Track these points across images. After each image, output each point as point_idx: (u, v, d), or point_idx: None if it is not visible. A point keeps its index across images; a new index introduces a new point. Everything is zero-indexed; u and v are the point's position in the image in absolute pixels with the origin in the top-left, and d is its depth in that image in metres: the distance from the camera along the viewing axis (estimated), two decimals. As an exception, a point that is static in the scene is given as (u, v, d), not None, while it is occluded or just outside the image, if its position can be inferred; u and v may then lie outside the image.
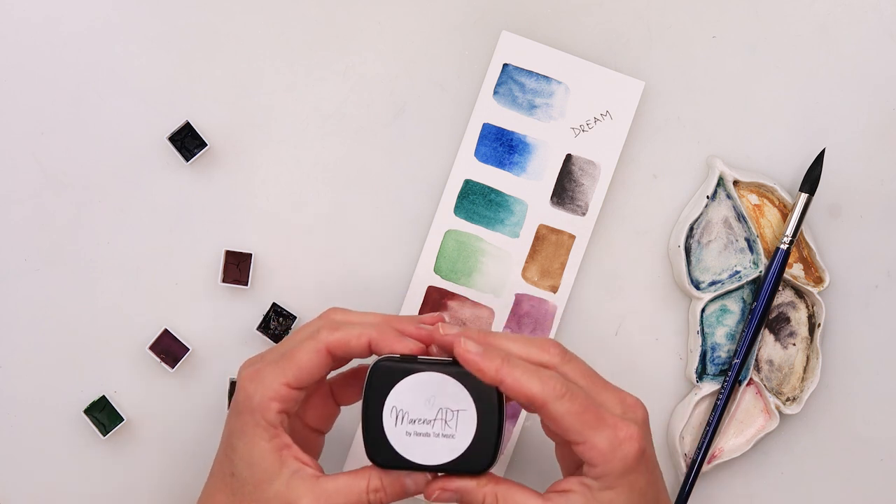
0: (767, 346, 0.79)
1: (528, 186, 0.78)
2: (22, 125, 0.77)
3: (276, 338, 0.77)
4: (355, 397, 0.72)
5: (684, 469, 0.78)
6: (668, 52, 0.79)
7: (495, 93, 0.78)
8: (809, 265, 0.79)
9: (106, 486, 0.78)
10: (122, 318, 0.78)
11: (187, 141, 0.77)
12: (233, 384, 0.77)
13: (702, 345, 0.78)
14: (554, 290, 0.78)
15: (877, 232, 0.80)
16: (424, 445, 0.66)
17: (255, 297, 0.78)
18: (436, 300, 0.78)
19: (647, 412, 0.67)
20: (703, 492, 0.80)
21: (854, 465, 0.80)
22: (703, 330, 0.78)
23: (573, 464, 0.68)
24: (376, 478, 0.66)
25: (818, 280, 0.79)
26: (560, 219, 0.78)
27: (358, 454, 0.78)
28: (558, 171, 0.78)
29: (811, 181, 0.77)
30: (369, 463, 0.67)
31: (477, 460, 0.66)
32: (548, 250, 0.78)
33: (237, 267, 0.77)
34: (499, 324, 0.78)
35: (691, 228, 0.78)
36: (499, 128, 0.78)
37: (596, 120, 0.78)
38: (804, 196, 0.77)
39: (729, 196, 0.78)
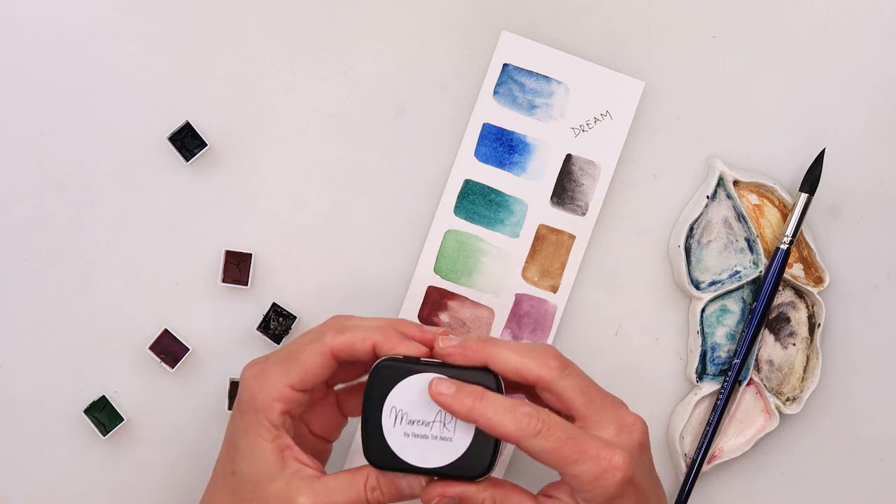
0: (767, 346, 0.79)
1: (528, 186, 0.78)
2: (22, 125, 0.77)
3: (276, 338, 0.77)
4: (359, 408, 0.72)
5: (684, 469, 0.78)
6: (668, 52, 0.79)
7: (495, 93, 0.78)
8: (809, 265, 0.79)
9: (106, 486, 0.78)
10: (122, 318, 0.78)
11: (187, 141, 0.77)
12: (233, 384, 0.77)
13: (702, 345, 0.78)
14: (554, 290, 0.78)
15: (877, 232, 0.80)
16: (422, 447, 0.65)
17: (255, 297, 0.78)
18: (436, 300, 0.78)
19: (647, 431, 0.66)
20: (703, 492, 0.80)
21: (854, 465, 0.80)
22: (703, 330, 0.78)
23: None
24: (374, 476, 0.66)
25: (818, 280, 0.79)
26: (560, 219, 0.78)
27: (358, 454, 0.78)
28: (558, 171, 0.78)
29: (811, 181, 0.77)
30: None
31: (473, 466, 0.66)
32: (548, 250, 0.78)
33: (237, 267, 0.77)
34: (499, 324, 0.78)
35: (691, 228, 0.78)
36: (499, 128, 0.78)
37: (596, 120, 0.78)
38: (804, 196, 0.77)
39: (729, 196, 0.78)
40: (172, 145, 0.77)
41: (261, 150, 0.78)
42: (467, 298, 0.78)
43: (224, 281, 0.77)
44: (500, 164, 0.78)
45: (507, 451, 0.79)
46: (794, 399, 0.79)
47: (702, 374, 0.78)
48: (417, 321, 0.78)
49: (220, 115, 0.78)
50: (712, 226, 0.78)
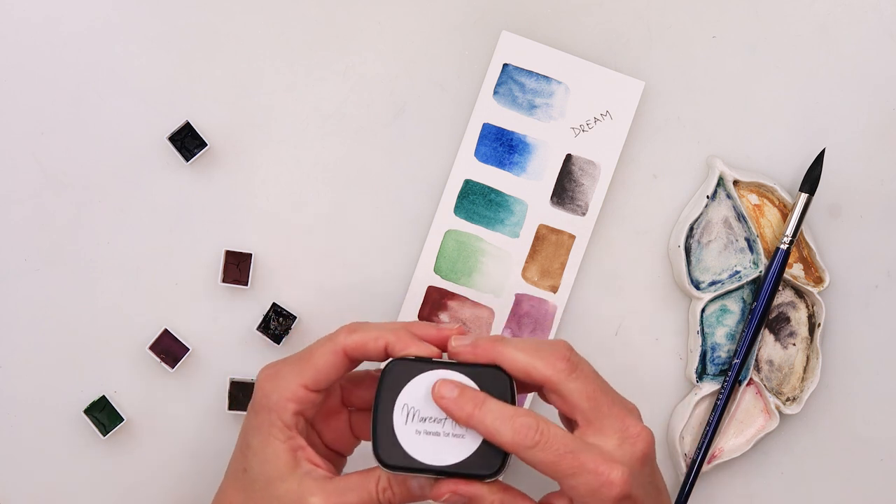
0: (767, 346, 0.79)
1: (528, 186, 0.78)
2: (22, 125, 0.77)
3: (276, 338, 0.77)
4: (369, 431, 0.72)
5: (684, 469, 0.78)
6: (668, 52, 0.79)
7: (495, 93, 0.78)
8: (809, 265, 0.79)
9: (106, 486, 0.78)
10: (122, 318, 0.78)
11: (187, 141, 0.77)
12: (233, 384, 0.77)
13: (702, 345, 0.78)
14: (554, 290, 0.78)
15: (877, 232, 0.80)
16: (433, 445, 0.65)
17: (255, 297, 0.78)
18: (436, 300, 0.78)
19: (652, 442, 0.65)
20: (703, 492, 0.80)
21: (854, 465, 0.80)
22: (703, 330, 0.78)
23: None
24: (385, 477, 0.66)
25: (818, 280, 0.79)
26: (560, 219, 0.78)
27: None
28: (558, 171, 0.78)
29: (811, 181, 0.77)
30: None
31: (485, 464, 0.65)
32: (548, 250, 0.78)
33: (237, 267, 0.77)
34: (499, 324, 0.78)
35: (691, 228, 0.78)
36: (499, 128, 0.78)
37: (596, 120, 0.78)
38: (804, 196, 0.77)
39: (729, 196, 0.78)
40: (172, 145, 0.77)
41: (261, 150, 0.78)
42: (467, 298, 0.78)
43: (224, 281, 0.77)
44: (500, 164, 0.78)
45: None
46: (794, 399, 0.79)
47: (702, 374, 0.78)
48: (417, 321, 0.78)
49: (220, 115, 0.78)
50: (712, 226, 0.78)
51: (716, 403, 0.78)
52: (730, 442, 0.79)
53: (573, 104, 0.78)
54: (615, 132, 0.78)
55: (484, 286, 0.78)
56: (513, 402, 0.65)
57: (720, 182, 0.78)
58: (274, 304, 0.77)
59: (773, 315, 0.79)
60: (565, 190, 0.78)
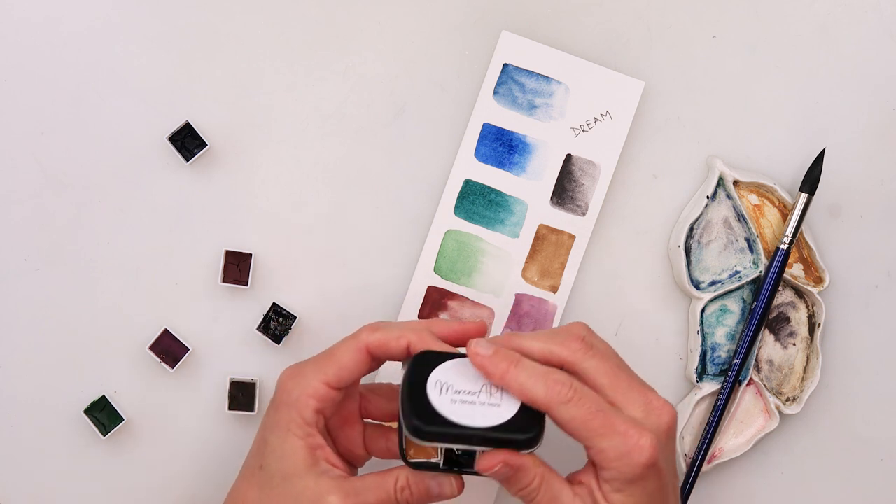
0: (767, 346, 0.79)
1: (528, 186, 0.78)
2: (22, 125, 0.77)
3: (276, 338, 0.77)
4: (383, 450, 0.72)
5: (684, 469, 0.78)
6: (668, 52, 0.79)
7: (495, 93, 0.78)
8: (809, 265, 0.79)
9: (106, 486, 0.78)
10: (122, 318, 0.78)
11: (187, 141, 0.77)
12: (233, 384, 0.77)
13: (702, 345, 0.78)
14: (554, 290, 0.78)
15: (877, 232, 0.80)
16: (470, 411, 0.64)
17: (255, 297, 0.78)
18: (436, 300, 0.78)
19: (675, 417, 0.66)
20: (703, 492, 0.80)
21: (854, 465, 0.80)
22: (703, 330, 0.78)
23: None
24: (403, 477, 0.66)
25: (818, 280, 0.79)
26: (560, 219, 0.78)
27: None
28: (558, 171, 0.78)
29: (811, 181, 0.77)
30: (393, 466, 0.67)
31: (526, 426, 0.64)
32: (548, 250, 0.78)
33: (237, 267, 0.77)
34: (499, 324, 0.78)
35: (691, 228, 0.78)
36: (499, 128, 0.78)
37: (596, 120, 0.78)
38: (804, 196, 0.77)
39: (729, 196, 0.78)
40: (172, 145, 0.77)
41: (261, 150, 0.78)
42: (467, 298, 0.78)
43: (224, 281, 0.77)
44: (500, 164, 0.78)
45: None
46: (794, 399, 0.79)
47: (702, 374, 0.78)
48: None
49: (220, 115, 0.78)
50: (712, 226, 0.78)
51: (716, 403, 0.78)
52: (730, 442, 0.79)
53: (573, 104, 0.78)
54: (615, 132, 0.78)
55: (484, 286, 0.78)
56: (539, 424, 0.65)
57: (720, 182, 0.78)
58: (274, 304, 0.77)
59: (773, 315, 0.79)
60: (565, 190, 0.78)
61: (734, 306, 0.79)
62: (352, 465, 0.72)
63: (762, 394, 0.79)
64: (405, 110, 0.79)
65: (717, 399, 0.78)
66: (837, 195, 0.79)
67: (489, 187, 0.78)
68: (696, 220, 0.78)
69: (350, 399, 0.71)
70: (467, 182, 0.78)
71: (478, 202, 0.78)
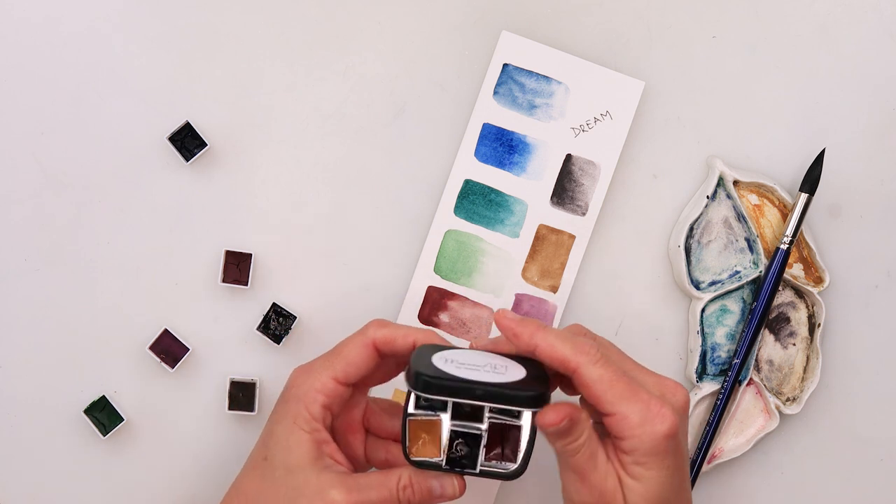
0: (767, 346, 0.79)
1: (528, 186, 0.78)
2: (22, 125, 0.77)
3: (277, 338, 0.77)
4: (382, 461, 0.72)
5: (684, 469, 0.78)
6: (668, 52, 0.79)
7: (495, 93, 0.78)
8: (809, 265, 0.79)
9: (106, 486, 0.78)
10: (122, 318, 0.78)
11: (187, 141, 0.77)
12: (233, 384, 0.77)
13: (702, 345, 0.78)
14: (554, 290, 0.78)
15: (877, 232, 0.80)
16: (475, 374, 0.64)
17: (255, 297, 0.78)
18: (436, 300, 0.78)
19: (688, 396, 0.66)
20: (703, 492, 0.80)
21: (854, 465, 0.80)
22: (703, 330, 0.78)
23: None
24: (406, 476, 0.66)
25: (818, 280, 0.79)
26: (560, 219, 0.78)
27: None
28: (558, 171, 0.78)
29: (811, 181, 0.77)
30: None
31: (533, 387, 0.64)
32: (548, 250, 0.78)
33: (237, 267, 0.77)
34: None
35: (691, 228, 0.78)
36: (499, 128, 0.78)
37: (596, 120, 0.78)
38: (804, 196, 0.77)
39: (729, 196, 0.78)
40: (172, 145, 0.77)
41: (261, 150, 0.78)
42: (467, 298, 0.78)
43: (224, 281, 0.77)
44: (500, 164, 0.78)
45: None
46: (794, 399, 0.79)
47: (702, 374, 0.78)
48: (419, 323, 0.78)
49: (220, 115, 0.78)
50: (712, 226, 0.78)
51: (716, 403, 0.78)
52: (730, 442, 0.79)
53: (573, 104, 0.78)
54: (615, 132, 0.78)
55: (484, 286, 0.78)
56: (546, 388, 0.65)
57: (720, 182, 0.78)
58: (274, 304, 0.77)
59: (773, 315, 0.79)
60: (565, 190, 0.78)
61: (734, 306, 0.79)
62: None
63: (762, 394, 0.79)
64: (405, 110, 0.79)
65: (717, 399, 0.78)
66: (837, 195, 0.79)
67: (489, 187, 0.78)
68: (696, 220, 0.78)
69: (356, 407, 0.71)
70: (467, 182, 0.78)
71: (478, 202, 0.78)
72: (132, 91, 0.78)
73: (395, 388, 0.78)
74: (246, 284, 0.77)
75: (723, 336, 0.79)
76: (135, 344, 0.78)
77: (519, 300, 0.78)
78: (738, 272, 0.78)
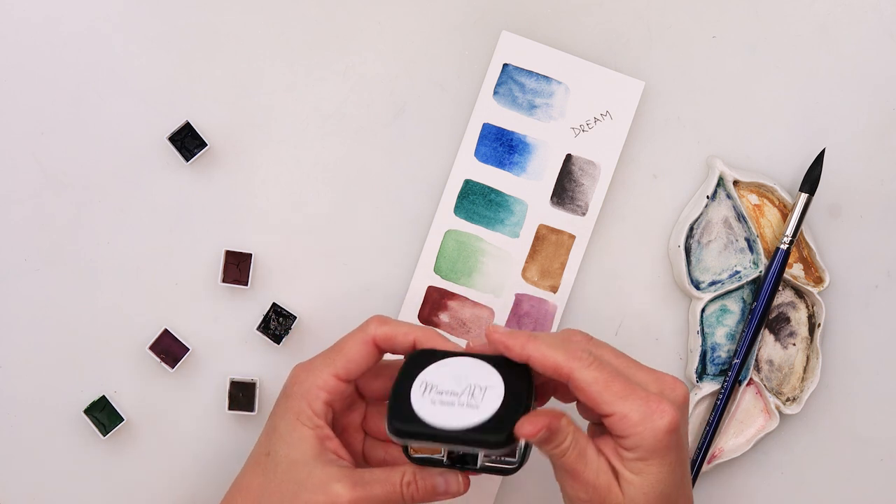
0: (767, 346, 0.79)
1: (528, 186, 0.78)
2: (22, 125, 0.77)
3: (277, 338, 0.77)
4: (380, 460, 0.72)
5: (684, 469, 0.78)
6: (668, 52, 0.79)
7: (495, 93, 0.78)
8: (809, 265, 0.79)
9: (106, 486, 0.78)
10: (122, 318, 0.78)
11: (187, 141, 0.77)
12: (233, 384, 0.77)
13: (702, 345, 0.78)
14: (554, 290, 0.78)
15: (877, 232, 0.80)
16: (446, 412, 0.64)
17: (255, 297, 0.78)
18: (436, 300, 0.78)
19: (688, 393, 0.66)
20: (703, 492, 0.80)
21: (854, 465, 0.80)
22: (703, 330, 0.78)
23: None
24: (410, 472, 0.66)
25: (818, 280, 0.79)
26: (560, 219, 0.78)
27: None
28: (558, 171, 0.78)
29: (811, 181, 0.77)
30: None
31: (497, 430, 0.64)
32: (548, 250, 0.78)
33: (237, 267, 0.77)
34: (499, 324, 0.78)
35: (691, 228, 0.78)
36: (499, 128, 0.78)
37: (596, 120, 0.78)
38: (804, 196, 0.77)
39: (729, 196, 0.78)
40: (172, 145, 0.77)
41: (261, 150, 0.78)
42: (467, 298, 0.78)
43: (224, 281, 0.77)
44: (500, 164, 0.78)
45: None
46: (794, 399, 0.79)
47: (702, 374, 0.78)
48: (418, 322, 0.78)
49: (220, 115, 0.78)
50: (712, 226, 0.78)
51: (716, 403, 0.78)
52: (730, 442, 0.79)
53: (573, 104, 0.78)
54: (615, 132, 0.78)
55: (484, 286, 0.78)
56: (530, 397, 0.65)
57: (720, 182, 0.78)
58: (274, 304, 0.77)
59: (773, 315, 0.79)
60: (565, 190, 0.78)
61: (734, 306, 0.79)
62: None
63: (762, 394, 0.79)
64: (405, 110, 0.79)
65: (717, 399, 0.78)
66: (837, 195, 0.79)
67: (489, 187, 0.78)
68: (696, 220, 0.78)
69: (355, 410, 0.71)
70: (467, 182, 0.78)
71: (478, 202, 0.78)
72: (132, 91, 0.78)
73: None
74: (246, 284, 0.77)
75: (723, 336, 0.79)
76: (135, 344, 0.78)
77: (519, 300, 0.78)
78: (738, 272, 0.78)
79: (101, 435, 0.77)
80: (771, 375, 0.79)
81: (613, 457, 0.64)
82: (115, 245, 0.78)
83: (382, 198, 0.78)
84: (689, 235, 0.78)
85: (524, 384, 0.65)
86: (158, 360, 0.77)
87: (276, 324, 0.77)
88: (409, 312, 0.78)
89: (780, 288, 0.78)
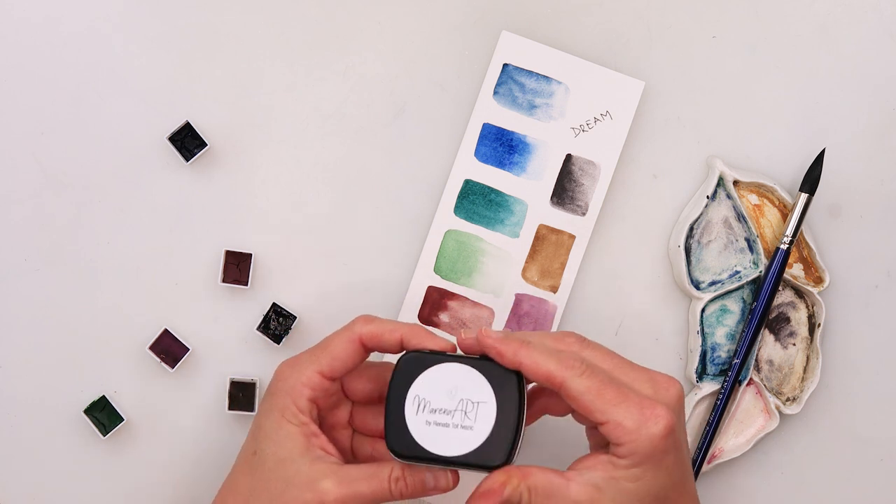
0: (767, 346, 0.79)
1: (528, 186, 0.78)
2: (22, 125, 0.77)
3: (277, 338, 0.77)
4: (367, 456, 0.72)
5: (684, 469, 0.78)
6: (668, 52, 0.79)
7: (495, 93, 0.78)
8: (809, 265, 0.79)
9: (106, 486, 0.78)
10: (122, 318, 0.78)
11: (187, 141, 0.77)
12: (233, 384, 0.77)
13: (702, 345, 0.78)
14: (554, 290, 0.78)
15: (877, 232, 0.80)
16: (443, 436, 0.65)
17: (255, 297, 0.78)
18: (436, 300, 0.78)
19: (681, 388, 0.66)
20: (703, 492, 0.80)
21: (854, 465, 0.80)
22: (703, 330, 0.78)
23: (602, 445, 0.67)
24: (399, 468, 0.66)
25: (818, 280, 0.79)
26: (560, 219, 0.78)
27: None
28: (558, 171, 0.78)
29: (811, 181, 0.77)
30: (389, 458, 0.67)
31: (494, 454, 0.65)
32: (548, 250, 0.78)
33: (237, 267, 0.77)
34: (499, 324, 0.78)
35: (691, 228, 0.78)
36: (499, 128, 0.78)
37: (596, 120, 0.78)
38: (804, 196, 0.77)
39: (729, 196, 0.78)
40: (172, 145, 0.77)
41: (261, 150, 0.78)
42: (467, 298, 0.78)
43: (224, 281, 0.77)
44: (500, 164, 0.78)
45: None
46: (794, 399, 0.79)
47: (702, 374, 0.78)
48: (418, 322, 0.78)
49: (220, 115, 0.78)
50: (712, 226, 0.78)
51: (716, 403, 0.78)
52: (730, 442, 0.79)
53: (573, 104, 0.78)
54: (615, 132, 0.78)
55: (484, 286, 0.78)
56: (521, 392, 0.66)
57: (720, 182, 0.78)
58: (274, 304, 0.77)
59: (773, 315, 0.79)
60: (565, 190, 0.78)
61: (734, 306, 0.79)
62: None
63: (762, 394, 0.79)
64: (405, 110, 0.79)
65: (717, 399, 0.78)
66: (837, 195, 0.79)
67: (489, 187, 0.78)
68: (696, 220, 0.78)
69: (342, 408, 0.72)
70: (467, 182, 0.78)
71: (478, 202, 0.78)
72: (132, 91, 0.78)
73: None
74: (246, 284, 0.77)
75: (723, 336, 0.79)
76: (135, 344, 0.78)
77: (519, 300, 0.78)
78: (738, 272, 0.78)
79: (101, 435, 0.77)
80: (771, 375, 0.79)
81: (608, 468, 0.64)
82: (115, 245, 0.78)
83: (382, 198, 0.78)
84: (689, 235, 0.78)
85: (515, 395, 0.66)
86: (158, 360, 0.77)
87: (276, 324, 0.77)
88: (409, 312, 0.78)
89: (780, 288, 0.78)
